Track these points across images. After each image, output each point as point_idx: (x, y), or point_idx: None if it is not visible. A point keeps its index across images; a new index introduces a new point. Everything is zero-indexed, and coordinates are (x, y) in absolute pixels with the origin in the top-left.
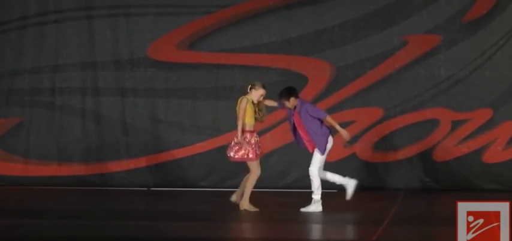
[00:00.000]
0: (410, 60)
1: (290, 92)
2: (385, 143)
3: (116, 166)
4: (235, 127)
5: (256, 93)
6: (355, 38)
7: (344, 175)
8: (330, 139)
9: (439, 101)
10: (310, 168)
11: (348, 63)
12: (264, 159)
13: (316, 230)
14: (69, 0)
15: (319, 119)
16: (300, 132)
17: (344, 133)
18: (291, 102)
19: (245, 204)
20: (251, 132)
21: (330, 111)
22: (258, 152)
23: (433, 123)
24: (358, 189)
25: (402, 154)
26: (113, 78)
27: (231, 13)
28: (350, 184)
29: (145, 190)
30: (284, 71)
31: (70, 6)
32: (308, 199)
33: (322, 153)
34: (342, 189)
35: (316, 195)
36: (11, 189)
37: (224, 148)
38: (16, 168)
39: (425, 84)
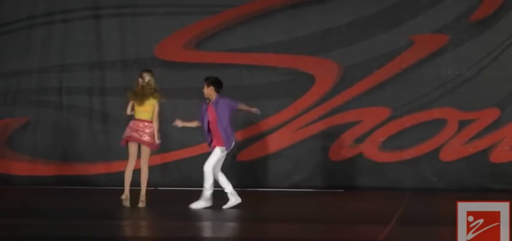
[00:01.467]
0: (417, 59)
1: (216, 81)
2: (392, 143)
3: (123, 166)
4: (242, 127)
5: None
6: (362, 37)
7: (351, 175)
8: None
9: (446, 100)
10: (206, 165)
11: (355, 62)
12: (271, 159)
13: (322, 230)
14: (76, 0)
15: (231, 112)
16: (212, 128)
17: (254, 109)
18: (208, 91)
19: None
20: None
21: (337, 110)
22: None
23: (440, 123)
24: (364, 188)
25: (409, 154)
26: (120, 77)
27: (238, 13)
28: (233, 200)
29: (153, 190)
30: (291, 70)
31: (77, 6)
32: (313, 199)
33: (226, 150)
34: (349, 188)
35: (209, 191)
36: (18, 189)
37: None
38: (23, 168)
39: (432, 84)
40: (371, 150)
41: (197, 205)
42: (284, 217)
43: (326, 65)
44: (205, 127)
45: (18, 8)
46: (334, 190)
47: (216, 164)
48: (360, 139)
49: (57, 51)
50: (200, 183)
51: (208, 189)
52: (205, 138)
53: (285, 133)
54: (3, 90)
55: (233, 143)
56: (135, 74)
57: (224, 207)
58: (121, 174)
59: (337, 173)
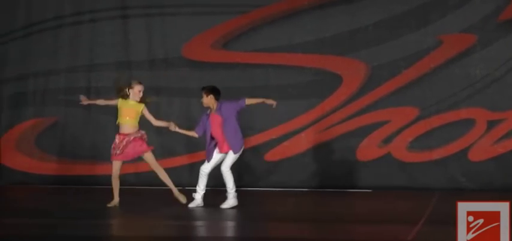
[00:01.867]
0: (445, 59)
1: (214, 89)
2: (420, 143)
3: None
4: (269, 127)
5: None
6: (389, 37)
7: (379, 175)
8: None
9: (475, 100)
10: (222, 167)
11: (383, 62)
12: (298, 159)
13: (350, 230)
14: (104, 0)
15: (238, 113)
16: (216, 135)
17: (270, 101)
18: (208, 100)
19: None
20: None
21: (365, 110)
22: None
23: (468, 123)
24: (393, 188)
25: (437, 154)
26: (148, 77)
27: (266, 13)
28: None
29: (180, 189)
30: (318, 70)
31: (105, 6)
32: (340, 199)
33: (235, 154)
34: (377, 188)
35: (233, 190)
36: (46, 188)
37: (258, 148)
38: (51, 167)
39: (461, 84)
40: (399, 150)
41: (227, 204)
42: (311, 217)
43: (354, 65)
44: (208, 138)
45: (46, 8)
46: (362, 190)
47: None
48: (388, 140)
49: (85, 51)
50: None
51: (232, 188)
52: (207, 148)
53: (312, 133)
54: (31, 90)
55: (242, 147)
56: (163, 74)
57: (190, 205)
58: (150, 174)
59: (365, 173)
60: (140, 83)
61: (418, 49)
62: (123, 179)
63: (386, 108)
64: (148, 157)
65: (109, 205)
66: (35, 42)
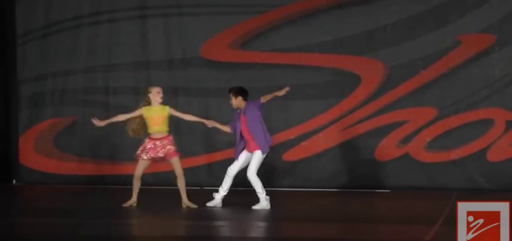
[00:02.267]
0: (463, 59)
1: (241, 90)
2: (438, 143)
3: (169, 166)
4: (288, 127)
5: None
6: (408, 37)
7: (398, 175)
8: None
9: (493, 100)
10: (248, 174)
11: (401, 62)
12: (317, 159)
13: (368, 230)
14: (122, 0)
15: (260, 112)
16: (244, 134)
17: (282, 91)
18: (237, 102)
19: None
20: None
21: (383, 110)
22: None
23: (487, 123)
24: (411, 188)
25: (456, 154)
26: (166, 77)
27: (284, 13)
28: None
29: (198, 189)
30: (337, 70)
31: (123, 6)
32: (358, 199)
33: (263, 154)
34: (395, 188)
35: (263, 194)
36: (64, 188)
37: (276, 148)
38: (70, 167)
39: (479, 84)
40: (417, 150)
41: (259, 206)
42: (330, 217)
43: (372, 64)
44: (238, 136)
45: (65, 9)
46: (380, 191)
47: (256, 167)
48: (406, 140)
49: (103, 51)
50: (243, 183)
51: (262, 192)
52: (237, 146)
53: (330, 133)
54: (50, 90)
55: (268, 148)
56: (181, 74)
57: (208, 204)
58: (168, 174)
59: (383, 173)
60: (156, 86)
61: (437, 49)
62: (142, 179)
63: (404, 108)
64: (175, 161)
65: (125, 204)
66: (54, 43)
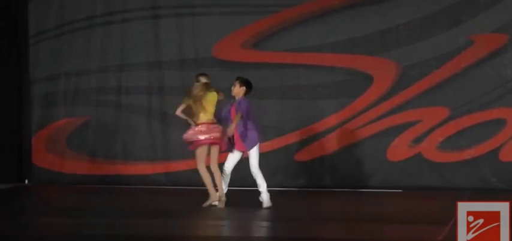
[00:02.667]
0: (476, 59)
1: (248, 83)
2: (450, 143)
3: (182, 166)
4: (300, 127)
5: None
6: (420, 37)
7: (410, 175)
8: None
9: (506, 100)
10: (252, 170)
11: (414, 62)
12: (329, 159)
13: (380, 229)
14: (135, 0)
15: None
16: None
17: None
18: (239, 91)
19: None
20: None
21: (396, 110)
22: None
23: (499, 123)
24: (423, 188)
25: (468, 154)
26: (179, 77)
27: (296, 13)
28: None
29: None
30: (349, 70)
31: (136, 6)
32: (371, 199)
33: (250, 148)
34: (407, 188)
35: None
36: (76, 188)
37: (288, 148)
38: (83, 167)
39: (492, 84)
40: (430, 150)
41: (266, 204)
42: (341, 217)
43: (384, 64)
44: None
45: (78, 9)
46: (392, 190)
47: (234, 162)
48: (418, 139)
49: (116, 51)
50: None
51: (261, 186)
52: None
53: (343, 133)
54: (63, 90)
55: (255, 144)
56: (194, 74)
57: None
58: (180, 174)
59: (395, 173)
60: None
61: (449, 49)
62: (152, 179)
63: (417, 108)
64: (215, 151)
65: (204, 204)
66: (67, 42)
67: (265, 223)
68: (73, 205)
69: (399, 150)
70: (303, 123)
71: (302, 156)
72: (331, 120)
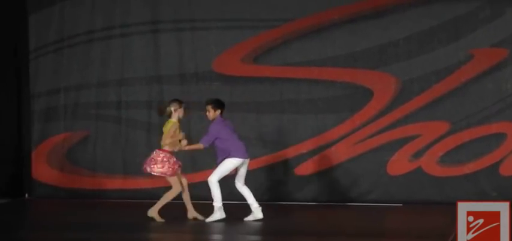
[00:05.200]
0: (476, 74)
1: (219, 103)
2: (450, 157)
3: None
4: (300, 141)
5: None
6: (420, 51)
7: (410, 189)
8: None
9: (506, 115)
10: (210, 178)
11: (414, 76)
12: (329, 173)
13: None
14: (134, 14)
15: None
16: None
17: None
18: (213, 114)
19: (153, 212)
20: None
21: (395, 125)
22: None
23: (499, 137)
24: (423, 203)
25: (468, 168)
26: (179, 91)
27: (296, 27)
28: (257, 213)
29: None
30: (349, 84)
31: (136, 21)
32: (371, 214)
33: (222, 160)
34: (407, 202)
35: (217, 203)
36: (78, 202)
37: (289, 162)
38: (83, 181)
39: (492, 98)
40: (430, 164)
41: (212, 218)
42: (341, 231)
43: (384, 78)
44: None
45: (77, 23)
46: (392, 205)
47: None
48: (418, 154)
49: (116, 65)
50: (257, 197)
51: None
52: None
53: (343, 147)
54: (62, 104)
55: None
56: (194, 88)
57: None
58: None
59: (395, 187)
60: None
61: (449, 63)
62: (154, 193)
63: (417, 123)
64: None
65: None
66: (67, 57)
67: (256, 238)
68: (73, 219)
69: (399, 164)
70: (303, 137)
71: (302, 170)
72: (332, 134)
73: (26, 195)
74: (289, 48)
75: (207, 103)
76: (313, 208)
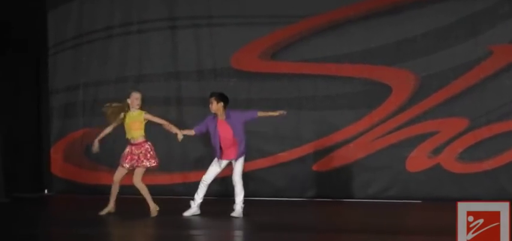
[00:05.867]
0: (495, 70)
1: (224, 97)
2: (469, 154)
3: (199, 176)
4: (317, 137)
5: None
6: (439, 47)
7: (429, 186)
8: None
9: None
10: (236, 178)
11: (432, 73)
12: (347, 169)
13: None
14: (152, 11)
15: (245, 123)
16: (224, 141)
17: (278, 112)
18: (217, 107)
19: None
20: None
21: (414, 121)
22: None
23: None
24: (442, 199)
25: (487, 165)
26: (196, 88)
27: (313, 23)
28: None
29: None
30: (367, 80)
31: (153, 17)
32: (389, 210)
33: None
34: (426, 199)
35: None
36: (96, 198)
37: (306, 158)
38: (102, 177)
39: (511, 95)
40: (449, 161)
41: (236, 213)
42: (361, 228)
43: (403, 75)
44: (217, 143)
45: (96, 19)
46: (411, 201)
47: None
48: (437, 150)
49: (134, 61)
50: (275, 193)
51: (240, 198)
52: (216, 150)
53: (361, 144)
54: (81, 100)
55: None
56: (212, 84)
57: (184, 213)
58: (198, 184)
59: (414, 184)
60: (137, 91)
61: (468, 59)
62: (170, 189)
63: (435, 119)
64: (139, 171)
65: (101, 212)
66: (85, 53)
67: (275, 234)
68: (91, 215)
69: (418, 161)
70: (321, 133)
71: (320, 166)
72: (350, 131)
73: (46, 191)
74: (307, 44)
75: (211, 95)
76: (331, 205)
